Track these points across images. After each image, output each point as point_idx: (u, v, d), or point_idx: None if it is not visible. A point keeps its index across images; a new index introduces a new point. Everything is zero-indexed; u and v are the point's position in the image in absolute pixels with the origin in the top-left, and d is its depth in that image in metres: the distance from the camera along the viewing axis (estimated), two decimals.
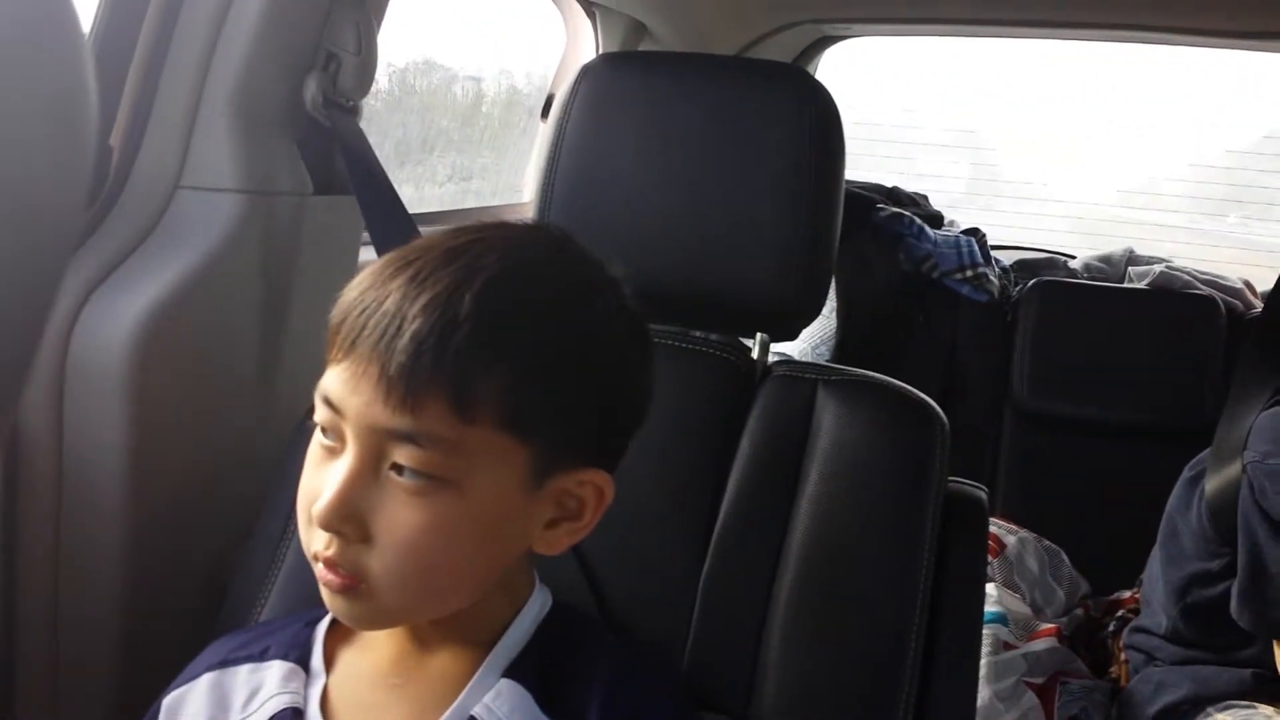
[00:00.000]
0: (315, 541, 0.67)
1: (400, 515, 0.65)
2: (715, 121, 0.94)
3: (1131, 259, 2.24)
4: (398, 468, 0.64)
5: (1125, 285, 2.15)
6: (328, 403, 0.66)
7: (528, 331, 0.66)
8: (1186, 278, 2.10)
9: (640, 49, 1.85)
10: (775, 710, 0.83)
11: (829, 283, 0.98)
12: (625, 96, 0.97)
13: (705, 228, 0.94)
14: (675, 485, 0.91)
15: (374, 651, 0.75)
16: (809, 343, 2.04)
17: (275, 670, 0.74)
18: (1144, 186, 3.57)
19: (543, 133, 1.98)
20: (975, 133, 3.81)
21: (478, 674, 0.71)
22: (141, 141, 1.01)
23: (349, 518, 0.65)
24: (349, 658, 0.75)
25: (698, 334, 1.01)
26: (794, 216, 0.92)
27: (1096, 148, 3.65)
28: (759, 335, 0.99)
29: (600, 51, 1.82)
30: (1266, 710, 1.23)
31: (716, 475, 0.91)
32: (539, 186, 0.98)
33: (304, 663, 0.75)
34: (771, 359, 0.99)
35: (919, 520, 0.86)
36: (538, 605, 0.76)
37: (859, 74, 3.10)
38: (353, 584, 0.66)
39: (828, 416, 0.91)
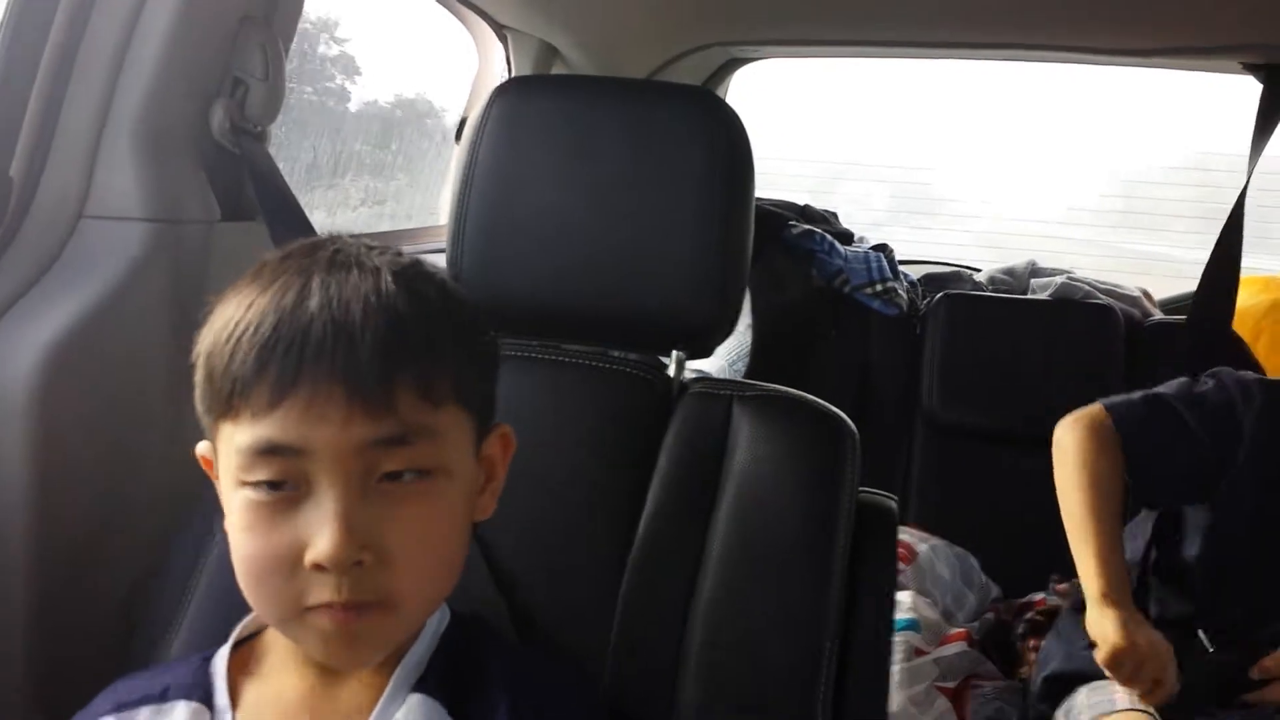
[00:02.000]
0: (314, 593, 0.63)
1: (412, 520, 0.65)
2: (627, 143, 0.96)
3: (1034, 271, 2.31)
4: (391, 475, 0.65)
5: (1028, 297, 2.22)
6: (277, 451, 0.63)
7: (446, 307, 0.69)
8: (1087, 288, 2.18)
9: (552, 71, 1.86)
10: (705, 716, 0.84)
11: (742, 299, 0.99)
12: (538, 119, 0.98)
13: (619, 248, 0.95)
14: (594, 503, 0.92)
15: (279, 683, 0.73)
16: (725, 359, 2.07)
17: (179, 711, 0.72)
18: (1061, 202, 3.72)
19: (457, 155, 1.98)
20: (898, 152, 3.92)
21: (386, 692, 0.70)
22: (43, 171, 0.98)
23: (366, 544, 0.63)
24: (254, 693, 0.73)
25: (615, 354, 1.02)
26: (706, 236, 0.94)
27: (1015, 166, 3.78)
28: (675, 353, 1.00)
29: (512, 74, 1.83)
30: (1119, 690, 1.26)
31: (635, 492, 0.92)
32: (453, 208, 0.98)
33: (207, 701, 0.72)
34: (688, 376, 1.01)
35: (831, 531, 0.88)
36: (437, 618, 0.76)
37: (785, 94, 3.17)
38: (374, 611, 0.64)
39: (743, 432, 0.93)
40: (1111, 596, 1.22)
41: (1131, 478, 1.32)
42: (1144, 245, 3.55)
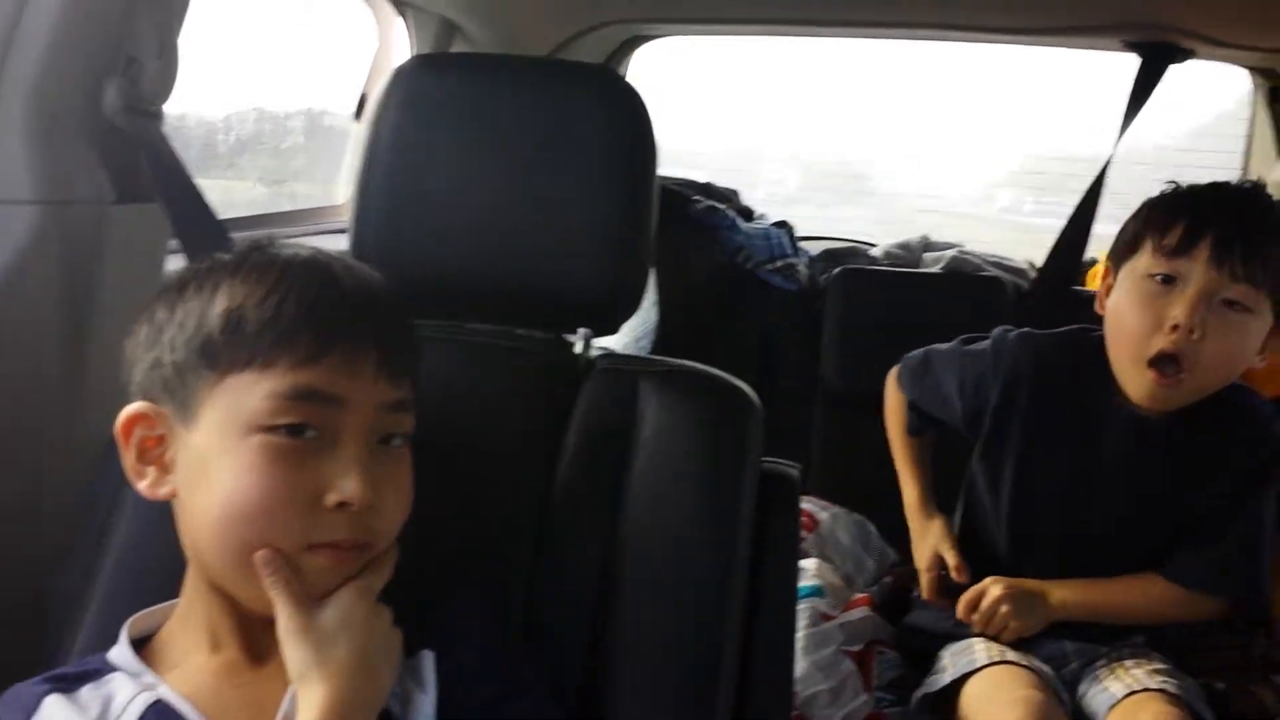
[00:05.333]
0: (322, 531, 0.71)
1: (402, 477, 0.76)
2: (531, 122, 0.96)
3: (927, 245, 2.38)
4: (383, 439, 0.74)
5: (922, 270, 2.29)
6: (316, 397, 0.70)
7: None
8: (977, 260, 2.25)
9: (453, 48, 1.85)
10: (615, 687, 0.87)
11: (646, 277, 1.01)
12: (441, 98, 0.98)
13: (524, 227, 0.96)
14: (503, 482, 0.93)
15: (197, 662, 0.75)
16: (632, 335, 2.09)
17: (119, 679, 0.74)
18: (973, 179, 3.84)
19: (356, 133, 1.95)
20: (813, 133, 4.00)
21: None
22: None
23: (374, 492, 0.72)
24: (174, 675, 0.75)
25: (520, 332, 1.03)
26: (609, 215, 0.95)
27: (929, 146, 3.89)
28: (581, 330, 1.01)
29: (414, 51, 1.81)
30: (979, 644, 1.35)
31: (544, 470, 0.93)
32: (356, 189, 0.98)
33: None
34: (595, 353, 1.02)
35: (736, 499, 0.91)
36: None
37: (695, 72, 3.22)
38: (360, 551, 0.73)
39: (650, 407, 0.95)
40: (921, 506, 1.49)
41: (913, 410, 1.53)
42: (1046, 220, 3.68)
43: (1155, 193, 1.32)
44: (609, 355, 1.03)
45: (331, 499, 0.70)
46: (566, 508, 0.92)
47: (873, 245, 2.45)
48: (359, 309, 0.74)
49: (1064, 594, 1.33)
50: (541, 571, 0.91)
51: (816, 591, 1.54)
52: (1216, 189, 1.29)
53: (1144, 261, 1.26)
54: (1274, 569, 1.35)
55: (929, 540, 1.45)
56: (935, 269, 2.25)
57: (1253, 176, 2.31)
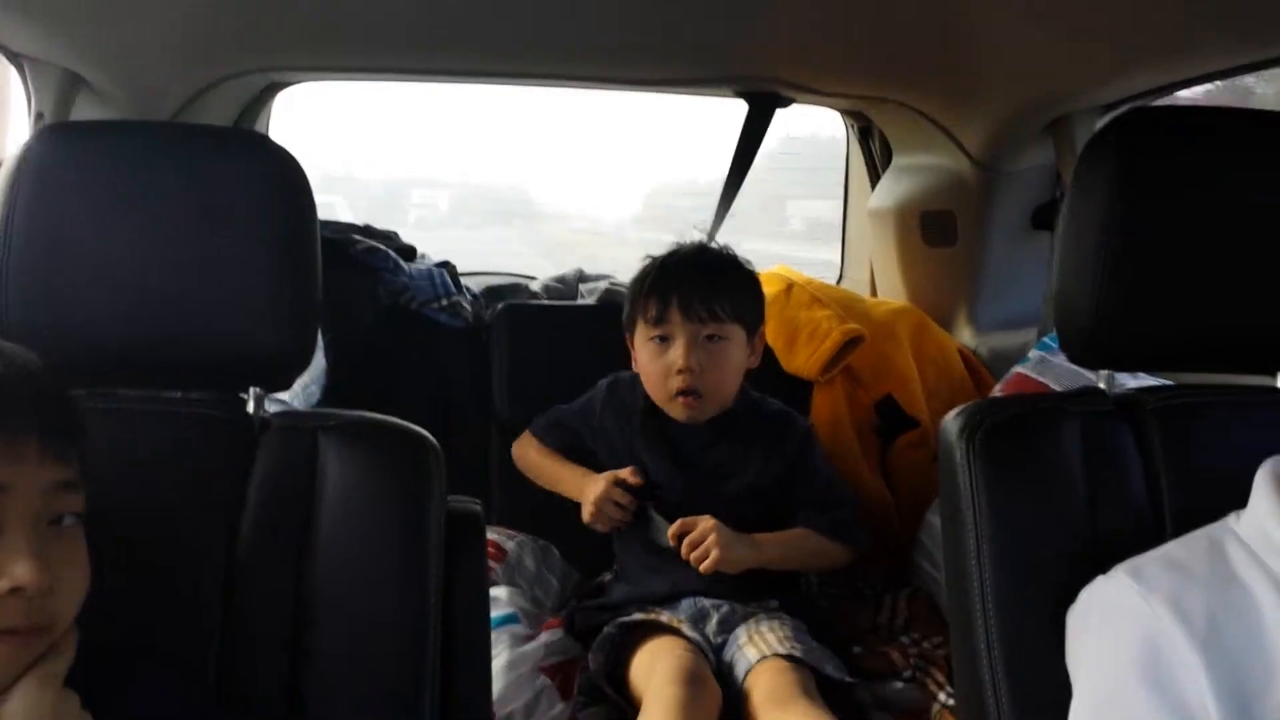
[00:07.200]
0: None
1: (77, 556, 0.76)
2: (181, 190, 0.96)
3: (582, 277, 2.51)
4: (53, 521, 0.74)
5: (578, 302, 2.41)
6: None
7: None
8: (625, 290, 2.41)
9: (79, 102, 1.74)
10: None
11: (316, 329, 1.03)
12: (82, 166, 0.96)
13: (183, 292, 0.95)
14: (184, 550, 0.93)
15: None
16: (299, 383, 2.05)
17: None
18: (620, 210, 4.07)
19: None
20: (471, 168, 4.07)
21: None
22: None
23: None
24: None
25: (192, 395, 1.02)
26: (269, 271, 0.96)
27: (583, 179, 4.08)
28: (252, 389, 1.02)
29: (33, 107, 1.69)
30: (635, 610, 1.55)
31: (226, 534, 0.94)
32: None
33: None
34: (272, 410, 1.03)
35: (424, 543, 0.95)
36: None
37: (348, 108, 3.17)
38: (41, 635, 0.72)
39: (331, 462, 0.97)
40: (581, 484, 1.71)
41: (556, 427, 1.87)
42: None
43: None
44: (285, 413, 1.03)
45: (3, 585, 0.69)
46: (252, 569, 0.93)
47: (533, 279, 2.56)
48: (15, 392, 0.73)
49: (764, 541, 1.60)
50: (231, 635, 0.91)
51: (513, 618, 1.60)
52: (671, 260, 1.71)
53: (643, 331, 1.69)
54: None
55: (598, 479, 1.67)
56: (590, 300, 2.39)
57: (853, 201, 2.66)
